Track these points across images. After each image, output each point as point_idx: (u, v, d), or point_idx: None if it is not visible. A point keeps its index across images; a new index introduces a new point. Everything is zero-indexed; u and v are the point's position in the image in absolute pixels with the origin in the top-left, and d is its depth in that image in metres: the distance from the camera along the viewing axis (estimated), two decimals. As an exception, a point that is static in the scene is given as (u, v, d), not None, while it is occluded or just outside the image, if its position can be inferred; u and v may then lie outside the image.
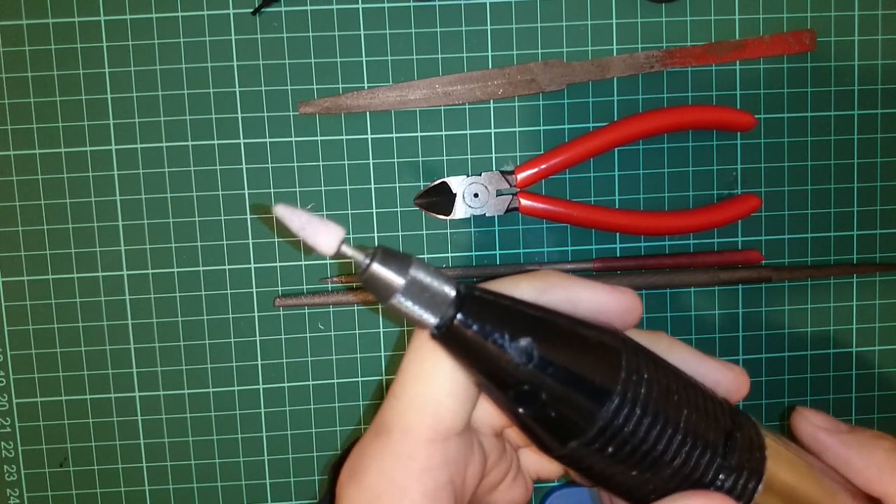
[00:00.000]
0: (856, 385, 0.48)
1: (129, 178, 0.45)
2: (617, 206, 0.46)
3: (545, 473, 0.29)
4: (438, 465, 0.23)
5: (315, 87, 0.45)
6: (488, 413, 0.25)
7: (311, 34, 0.44)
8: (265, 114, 0.45)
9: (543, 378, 0.20)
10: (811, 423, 0.26)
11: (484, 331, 0.20)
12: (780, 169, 0.46)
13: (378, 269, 0.20)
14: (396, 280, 0.20)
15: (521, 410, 0.21)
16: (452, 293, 0.20)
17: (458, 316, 0.20)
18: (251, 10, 0.44)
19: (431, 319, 0.20)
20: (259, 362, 0.46)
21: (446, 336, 0.21)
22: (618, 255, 0.46)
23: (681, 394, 0.22)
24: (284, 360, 0.46)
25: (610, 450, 0.21)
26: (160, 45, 0.44)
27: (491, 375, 0.21)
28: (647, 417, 0.21)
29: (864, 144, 0.47)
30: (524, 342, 0.20)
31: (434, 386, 0.23)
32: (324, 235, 0.20)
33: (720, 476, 0.22)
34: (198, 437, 0.47)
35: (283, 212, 0.20)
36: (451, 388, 0.23)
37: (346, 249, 0.20)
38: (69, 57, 0.44)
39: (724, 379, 0.24)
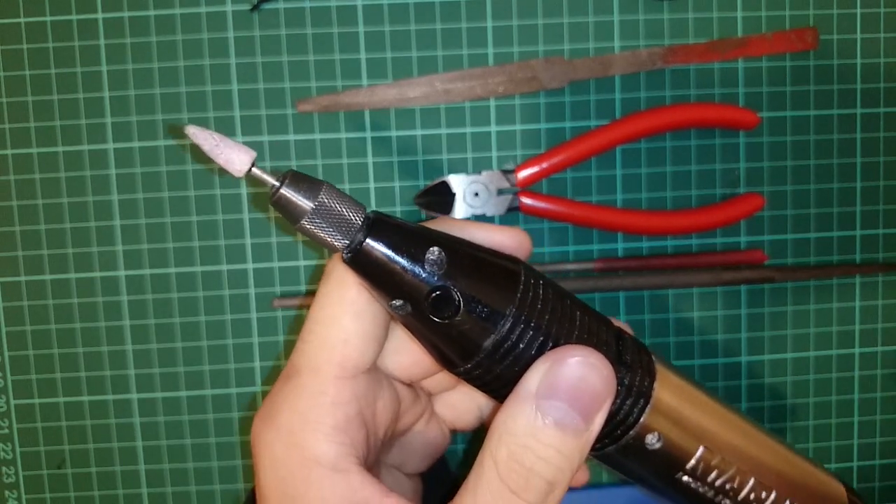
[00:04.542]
0: (858, 386, 0.48)
1: (126, 178, 0.45)
2: (619, 206, 0.46)
3: (460, 424, 0.32)
4: (347, 399, 0.25)
5: (313, 84, 0.44)
6: (399, 365, 0.28)
7: (309, 31, 0.44)
8: (263, 112, 0.44)
9: (454, 280, 0.22)
10: None
11: (395, 247, 0.22)
12: (782, 168, 0.46)
13: (287, 192, 0.21)
14: (305, 203, 0.21)
15: (435, 320, 0.22)
16: (361, 217, 0.22)
17: (369, 237, 0.22)
18: (249, 6, 0.44)
19: (341, 241, 0.21)
20: (257, 364, 0.46)
21: (358, 258, 0.22)
22: (620, 254, 0.46)
23: (573, 298, 0.24)
24: (283, 362, 0.46)
25: (521, 346, 0.22)
26: (158, 43, 0.44)
27: (403, 290, 0.22)
28: (548, 313, 0.23)
29: (866, 143, 0.46)
30: (434, 251, 0.22)
31: (340, 328, 0.25)
32: (237, 155, 0.21)
33: (618, 373, 0.24)
34: (196, 439, 0.46)
35: (194, 132, 0.21)
36: (357, 329, 0.25)
37: (257, 172, 0.21)
38: (66, 55, 0.44)
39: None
